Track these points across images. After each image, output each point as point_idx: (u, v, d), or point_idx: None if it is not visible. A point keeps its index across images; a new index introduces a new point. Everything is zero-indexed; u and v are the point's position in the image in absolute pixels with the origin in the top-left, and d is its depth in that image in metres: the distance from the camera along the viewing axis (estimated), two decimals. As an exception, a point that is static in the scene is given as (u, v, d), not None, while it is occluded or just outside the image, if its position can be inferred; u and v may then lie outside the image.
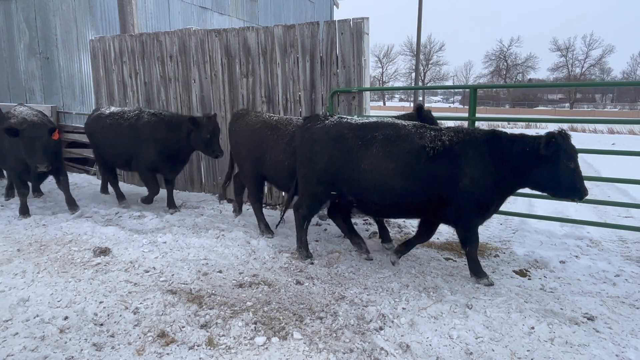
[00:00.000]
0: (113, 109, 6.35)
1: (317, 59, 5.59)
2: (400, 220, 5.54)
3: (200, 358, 2.71)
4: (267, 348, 2.81)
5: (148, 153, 5.82)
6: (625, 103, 59.25)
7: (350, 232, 4.50)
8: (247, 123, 5.05)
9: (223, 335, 2.96)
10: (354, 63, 5.35)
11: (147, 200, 6.02)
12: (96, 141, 6.42)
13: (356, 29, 5.26)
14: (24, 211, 5.67)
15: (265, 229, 5.06)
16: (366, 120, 4.09)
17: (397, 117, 4.77)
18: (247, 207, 6.26)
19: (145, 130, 5.81)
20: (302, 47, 5.65)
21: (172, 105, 6.93)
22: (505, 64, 60.62)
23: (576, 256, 4.39)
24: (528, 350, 2.81)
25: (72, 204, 5.88)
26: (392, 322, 3.14)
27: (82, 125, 8.44)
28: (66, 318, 3.15)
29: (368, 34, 5.35)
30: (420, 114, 4.80)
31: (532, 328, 3.06)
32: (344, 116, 4.25)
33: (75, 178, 7.91)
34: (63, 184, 5.87)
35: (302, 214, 4.29)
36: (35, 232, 5.10)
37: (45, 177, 5.93)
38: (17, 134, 5.12)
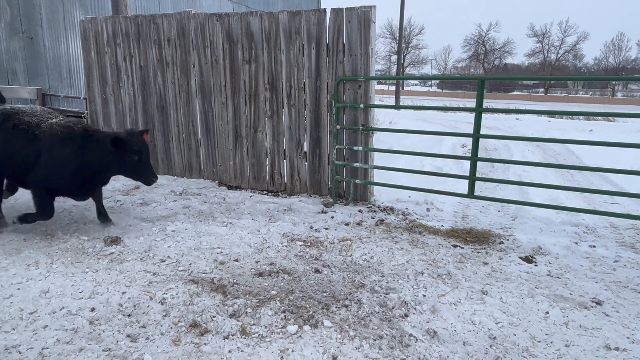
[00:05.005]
0: None
1: (323, 47, 5.57)
2: (404, 207, 5.66)
3: (237, 347, 2.76)
4: (300, 336, 2.89)
5: None
6: (596, 89, 61.10)
7: None
8: None
9: (254, 325, 3.02)
10: (360, 51, 5.36)
11: None
12: None
13: (364, 17, 5.26)
14: None
15: None
16: None
17: None
18: (250, 194, 6.28)
19: None
20: (307, 34, 5.62)
21: (169, 90, 6.81)
22: (484, 48, 61.28)
23: (576, 242, 4.60)
24: (547, 334, 2.98)
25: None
26: (415, 309, 3.26)
27: (71, 109, 8.24)
28: (93, 309, 3.15)
29: (375, 22, 5.36)
30: None
31: (547, 313, 3.24)
32: None
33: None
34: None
35: None
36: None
37: None
38: None
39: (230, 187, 6.69)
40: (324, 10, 5.46)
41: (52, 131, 4.41)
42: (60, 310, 3.13)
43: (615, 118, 19.62)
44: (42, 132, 4.41)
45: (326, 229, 4.92)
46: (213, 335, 2.88)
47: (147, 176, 4.54)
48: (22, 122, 4.48)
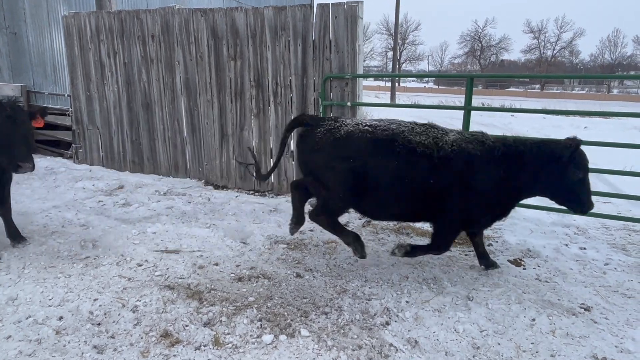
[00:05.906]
0: None
1: (310, 43, 5.43)
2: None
3: (209, 359, 2.64)
4: (275, 347, 2.77)
5: None
6: (592, 85, 61.08)
7: None
8: None
9: (229, 334, 2.90)
10: (347, 48, 5.23)
11: None
12: None
13: (350, 13, 5.12)
14: None
15: None
16: None
17: None
18: (236, 194, 6.15)
19: None
20: (293, 30, 5.48)
21: (154, 88, 6.65)
22: (480, 45, 61.14)
23: (566, 244, 4.49)
24: (532, 343, 2.87)
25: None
26: (397, 316, 3.14)
27: (55, 106, 8.06)
28: (61, 318, 3.02)
29: (362, 18, 5.22)
30: None
31: (533, 320, 3.12)
32: None
33: (50, 162, 7.56)
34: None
35: None
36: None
37: None
38: None
39: (216, 187, 6.55)
40: (310, 5, 5.32)
41: (468, 150, 3.42)
42: (27, 319, 3.00)
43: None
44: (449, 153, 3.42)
45: (311, 230, 4.79)
46: (184, 346, 2.75)
47: (585, 203, 3.40)
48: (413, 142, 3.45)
